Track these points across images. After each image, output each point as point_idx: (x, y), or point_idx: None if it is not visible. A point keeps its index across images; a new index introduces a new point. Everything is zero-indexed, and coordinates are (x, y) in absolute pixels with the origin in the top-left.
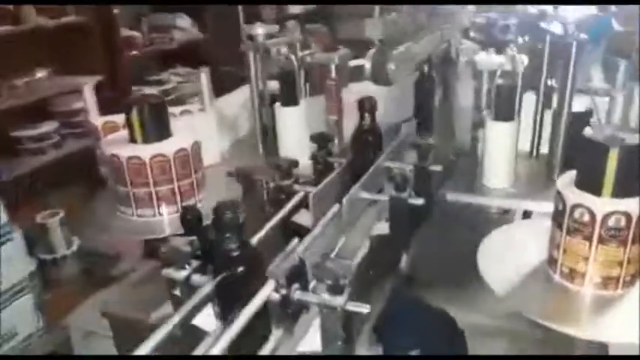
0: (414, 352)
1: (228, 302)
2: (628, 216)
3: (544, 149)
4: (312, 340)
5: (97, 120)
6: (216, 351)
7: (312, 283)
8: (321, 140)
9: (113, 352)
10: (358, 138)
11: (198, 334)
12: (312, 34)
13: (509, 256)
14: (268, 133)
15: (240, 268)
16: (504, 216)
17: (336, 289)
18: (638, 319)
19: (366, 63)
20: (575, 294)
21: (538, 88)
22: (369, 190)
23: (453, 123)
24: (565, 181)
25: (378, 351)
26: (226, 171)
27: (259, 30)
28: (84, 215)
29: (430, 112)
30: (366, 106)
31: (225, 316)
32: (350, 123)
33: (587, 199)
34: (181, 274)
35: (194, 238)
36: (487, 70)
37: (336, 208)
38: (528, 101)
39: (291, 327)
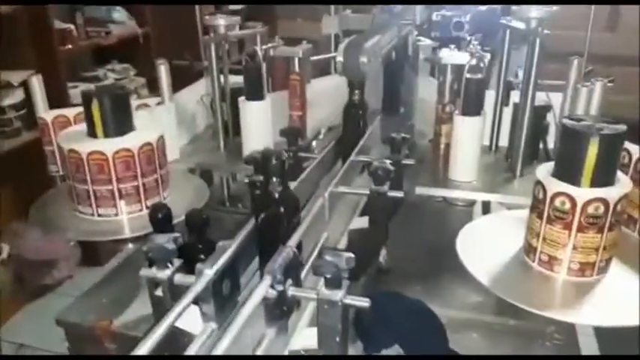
0: (394, 347)
1: (268, 241)
2: (606, 203)
3: (502, 143)
4: (304, 338)
5: (48, 115)
6: (217, 351)
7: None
8: (291, 135)
9: None
10: (349, 112)
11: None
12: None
13: (486, 245)
14: (229, 129)
15: (282, 209)
16: (470, 208)
17: (334, 283)
18: (613, 303)
19: (338, 56)
20: (553, 280)
21: (497, 84)
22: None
23: (415, 118)
24: (543, 172)
25: (358, 346)
26: (187, 167)
27: (221, 21)
28: (36, 217)
29: (397, 106)
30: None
31: (265, 261)
32: (314, 119)
33: (568, 187)
34: (165, 274)
35: (178, 235)
36: (452, 64)
37: (320, 201)
38: (487, 98)
39: (284, 325)
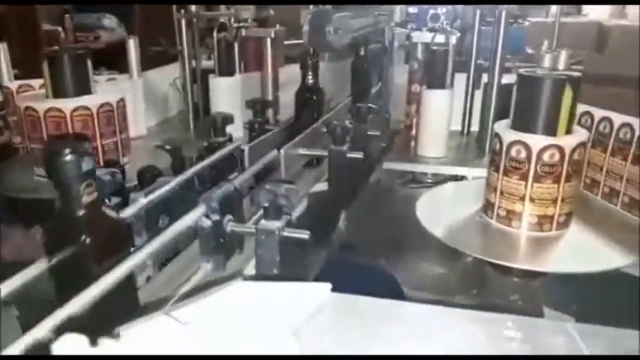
0: None
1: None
2: (562, 150)
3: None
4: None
5: (12, 84)
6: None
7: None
8: (257, 106)
9: None
10: (301, 96)
11: None
12: None
13: (445, 208)
14: (200, 111)
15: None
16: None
17: (273, 214)
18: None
19: (304, 25)
20: (512, 235)
21: (469, 68)
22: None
23: (389, 101)
24: (502, 125)
25: None
26: (153, 144)
27: None
28: None
29: (367, 91)
30: (308, 64)
31: None
32: (286, 101)
33: (523, 135)
34: None
35: (116, 170)
36: (421, 42)
37: (273, 154)
38: (459, 82)
39: (221, 261)
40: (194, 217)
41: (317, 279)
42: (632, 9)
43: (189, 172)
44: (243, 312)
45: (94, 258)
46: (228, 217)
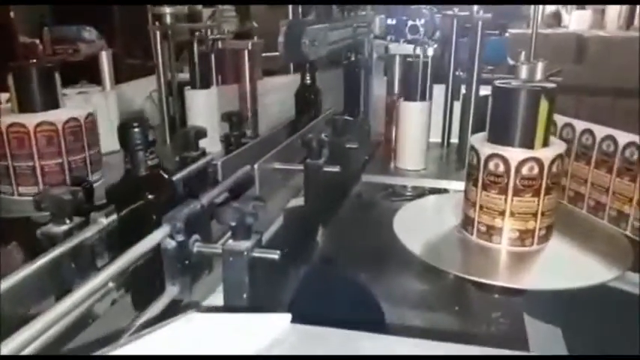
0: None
1: None
2: (541, 163)
3: (454, 140)
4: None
5: None
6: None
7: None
8: (233, 119)
9: None
10: (302, 95)
11: None
12: None
13: (424, 223)
14: (176, 125)
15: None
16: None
17: (241, 233)
18: (553, 269)
19: (279, 37)
20: (493, 251)
21: (447, 80)
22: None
23: (369, 113)
24: (478, 138)
25: None
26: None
27: (167, 10)
28: None
29: (354, 107)
30: (307, 66)
31: None
32: (267, 115)
33: (500, 149)
34: (60, 230)
35: (78, 188)
36: (399, 55)
37: (247, 168)
38: (438, 94)
39: (186, 284)
40: (158, 237)
41: (292, 298)
42: (610, 21)
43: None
44: (196, 346)
45: (153, 210)
46: (195, 237)
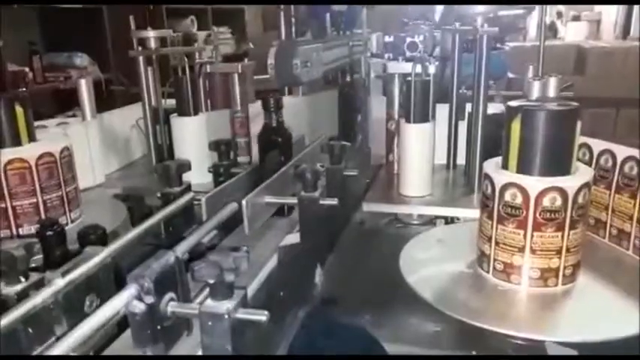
0: None
1: None
2: (564, 194)
3: (461, 161)
4: None
5: None
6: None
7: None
8: (221, 147)
9: None
10: (265, 138)
11: None
12: None
13: (433, 260)
14: (164, 154)
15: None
16: (426, 226)
17: (221, 292)
18: (581, 316)
19: (269, 59)
20: (511, 293)
21: (451, 98)
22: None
23: (368, 135)
24: (492, 164)
25: None
26: (112, 194)
27: (151, 34)
28: None
29: (352, 131)
30: (271, 103)
31: None
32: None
33: (517, 177)
34: (13, 290)
35: (33, 240)
36: (398, 74)
37: (233, 206)
38: (442, 113)
39: (162, 351)
40: (123, 299)
41: (290, 348)
42: (606, 31)
43: (129, 236)
44: None
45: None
46: (169, 295)
